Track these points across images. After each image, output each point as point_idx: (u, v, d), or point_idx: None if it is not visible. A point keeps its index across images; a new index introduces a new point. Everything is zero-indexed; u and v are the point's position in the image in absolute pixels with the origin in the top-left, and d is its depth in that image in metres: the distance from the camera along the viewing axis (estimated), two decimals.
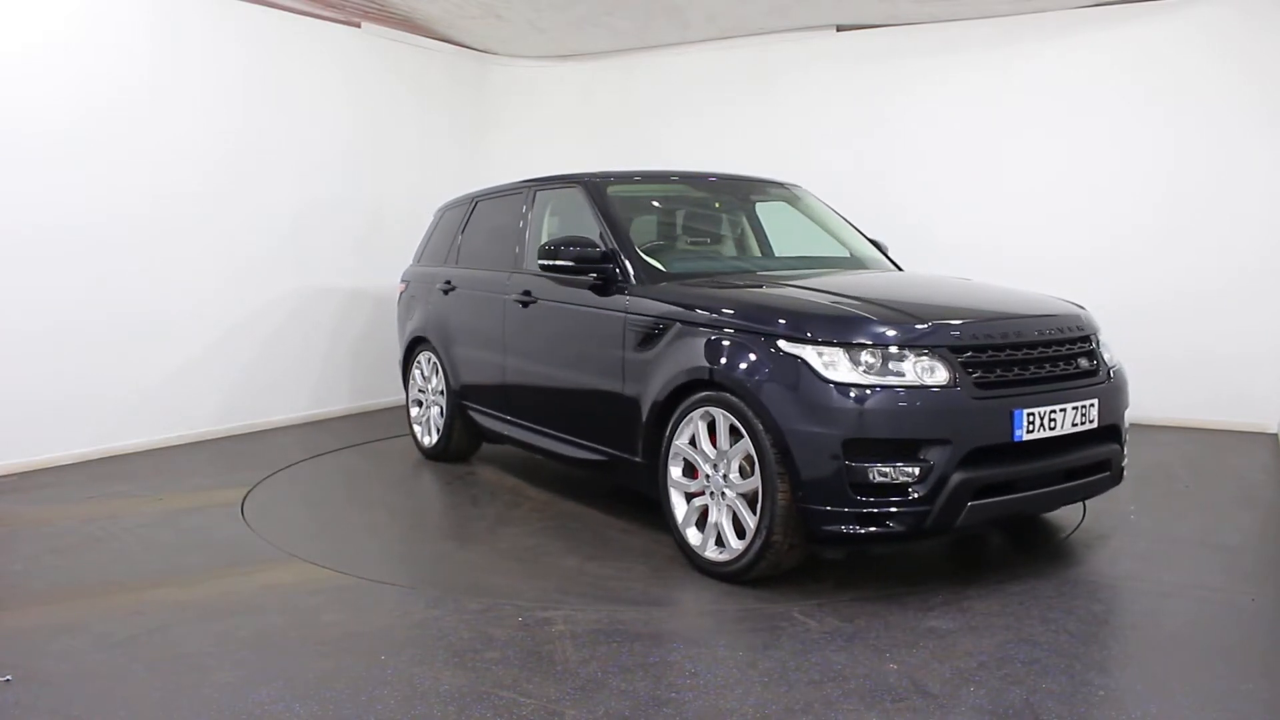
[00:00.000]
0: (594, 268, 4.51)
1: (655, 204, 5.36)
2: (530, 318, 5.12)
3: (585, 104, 8.92)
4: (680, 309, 4.13)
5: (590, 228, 4.77)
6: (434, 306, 6.05)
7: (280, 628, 3.41)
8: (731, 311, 3.92)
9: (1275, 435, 6.44)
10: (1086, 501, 4.86)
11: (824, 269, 4.97)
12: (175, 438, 6.43)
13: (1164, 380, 6.80)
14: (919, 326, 3.63)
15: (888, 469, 3.45)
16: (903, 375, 3.51)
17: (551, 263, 4.57)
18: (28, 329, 5.65)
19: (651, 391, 4.14)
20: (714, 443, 3.86)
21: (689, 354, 3.97)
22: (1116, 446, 4.00)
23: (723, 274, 4.71)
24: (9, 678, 2.99)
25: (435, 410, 6.06)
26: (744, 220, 5.45)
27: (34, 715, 2.78)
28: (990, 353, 3.65)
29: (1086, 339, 4.01)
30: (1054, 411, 3.67)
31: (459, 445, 5.97)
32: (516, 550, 4.35)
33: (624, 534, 4.51)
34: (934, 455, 3.46)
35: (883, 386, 3.48)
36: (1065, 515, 4.53)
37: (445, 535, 4.84)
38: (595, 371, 4.55)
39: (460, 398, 5.81)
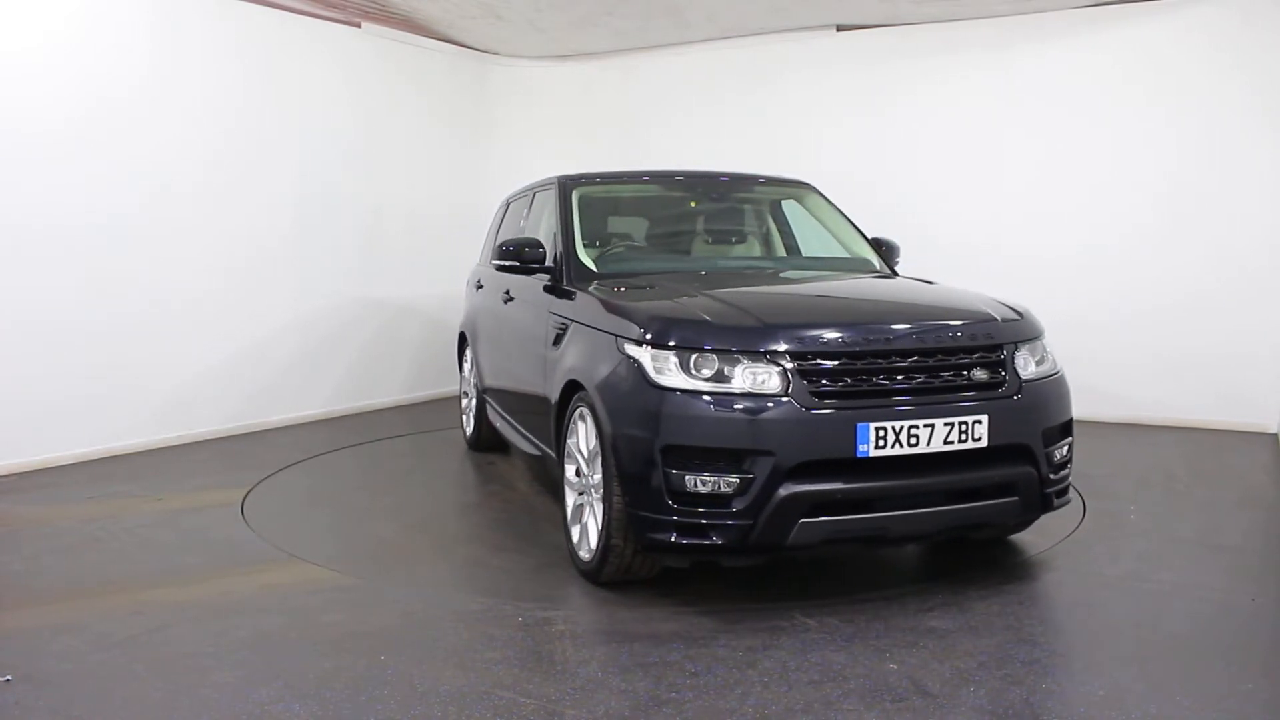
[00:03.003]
0: (540, 268, 4.56)
1: (624, 204, 5.34)
2: (506, 315, 5.28)
3: (585, 104, 8.91)
4: (575, 308, 4.14)
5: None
6: (471, 304, 6.36)
7: (280, 628, 3.41)
8: (596, 313, 3.90)
9: (1275, 435, 6.44)
10: (1086, 502, 4.85)
11: (785, 269, 4.92)
12: (175, 438, 6.43)
13: (1164, 380, 6.82)
14: (756, 333, 3.45)
15: (708, 479, 3.32)
16: (730, 381, 3.37)
17: (501, 262, 4.62)
18: (28, 329, 5.64)
19: (553, 391, 4.17)
20: None
21: (572, 354, 3.99)
22: (1028, 469, 3.59)
23: (654, 274, 4.45)
24: (9, 678, 2.99)
25: (474, 403, 6.28)
26: (746, 219, 5.42)
27: (34, 715, 2.78)
28: (843, 361, 3.42)
29: (994, 349, 3.62)
30: (915, 427, 3.36)
31: (488, 436, 6.17)
32: (447, 539, 4.60)
33: (556, 529, 4.53)
34: (757, 467, 3.29)
35: (704, 392, 3.36)
36: (1065, 516, 4.47)
37: (402, 522, 4.86)
38: (529, 368, 4.64)
39: (482, 392, 6.02)
